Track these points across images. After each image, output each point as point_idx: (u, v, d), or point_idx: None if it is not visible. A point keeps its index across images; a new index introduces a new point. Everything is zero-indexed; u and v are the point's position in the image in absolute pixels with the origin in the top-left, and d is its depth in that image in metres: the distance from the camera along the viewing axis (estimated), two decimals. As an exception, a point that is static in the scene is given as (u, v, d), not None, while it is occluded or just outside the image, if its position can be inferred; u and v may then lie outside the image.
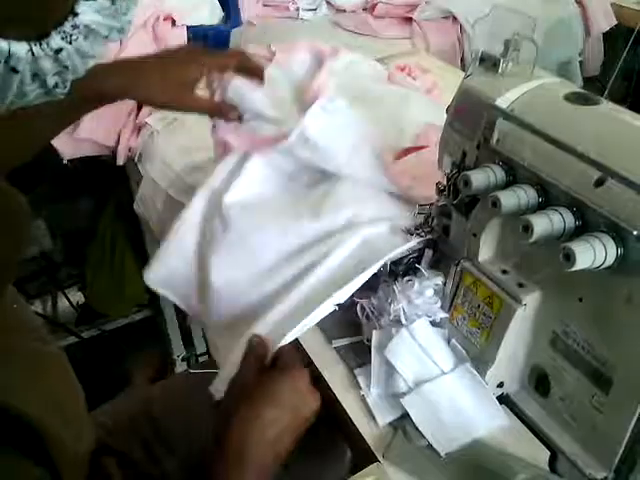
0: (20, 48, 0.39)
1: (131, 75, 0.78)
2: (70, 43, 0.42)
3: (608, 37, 1.87)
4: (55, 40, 0.41)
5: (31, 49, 0.40)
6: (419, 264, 0.75)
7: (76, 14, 0.41)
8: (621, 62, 1.67)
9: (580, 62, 1.83)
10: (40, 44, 0.40)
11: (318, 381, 0.72)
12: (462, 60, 1.58)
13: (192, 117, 1.17)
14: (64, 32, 0.41)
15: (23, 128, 0.69)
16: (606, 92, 0.61)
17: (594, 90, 0.64)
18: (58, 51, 0.42)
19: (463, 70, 1.50)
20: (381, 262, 0.74)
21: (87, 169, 1.66)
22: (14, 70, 0.40)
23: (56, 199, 1.76)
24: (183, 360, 1.81)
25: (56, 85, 0.44)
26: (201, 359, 1.82)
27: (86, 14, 0.41)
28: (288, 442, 0.64)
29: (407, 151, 1.01)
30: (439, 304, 0.73)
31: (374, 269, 0.74)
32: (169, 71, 0.79)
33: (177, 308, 1.69)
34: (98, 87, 0.75)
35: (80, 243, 1.80)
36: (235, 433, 0.61)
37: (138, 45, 1.18)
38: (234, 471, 0.60)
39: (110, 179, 1.58)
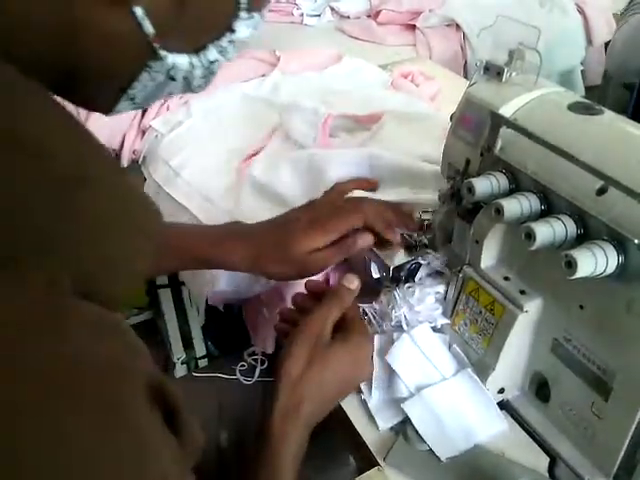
0: (182, 61, 0.41)
1: (255, 250, 0.73)
2: (224, 56, 0.44)
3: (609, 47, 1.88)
4: (212, 53, 0.43)
5: (191, 61, 0.42)
6: (421, 269, 0.75)
7: (233, 31, 0.43)
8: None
9: (581, 71, 1.85)
10: (198, 56, 0.43)
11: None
12: (465, 68, 1.59)
13: (196, 120, 1.18)
14: (221, 46, 0.44)
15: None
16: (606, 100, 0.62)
17: (595, 99, 0.64)
18: (212, 62, 0.44)
19: (466, 78, 1.51)
20: None
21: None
22: (172, 79, 0.42)
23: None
24: (183, 363, 1.80)
25: (199, 86, 0.47)
26: (201, 362, 1.81)
27: (242, 32, 0.43)
28: (332, 406, 0.65)
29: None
30: (440, 310, 0.74)
31: None
32: (290, 248, 0.72)
33: (177, 310, 1.70)
34: (222, 257, 0.73)
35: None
36: (293, 388, 0.61)
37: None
38: (287, 424, 0.59)
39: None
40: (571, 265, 0.51)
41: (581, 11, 1.76)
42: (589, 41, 1.79)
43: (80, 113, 1.16)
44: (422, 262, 0.75)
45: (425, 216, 0.77)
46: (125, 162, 1.24)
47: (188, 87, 0.45)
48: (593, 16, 1.76)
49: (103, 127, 1.18)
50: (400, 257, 0.76)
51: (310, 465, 0.57)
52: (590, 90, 1.88)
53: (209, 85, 0.48)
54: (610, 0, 1.83)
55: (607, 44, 1.84)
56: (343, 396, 0.67)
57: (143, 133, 1.21)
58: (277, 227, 0.74)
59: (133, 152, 1.22)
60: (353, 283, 0.68)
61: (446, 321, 0.73)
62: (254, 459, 0.59)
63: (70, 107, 0.39)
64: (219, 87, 1.26)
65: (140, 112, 1.22)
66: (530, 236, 0.54)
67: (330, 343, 0.64)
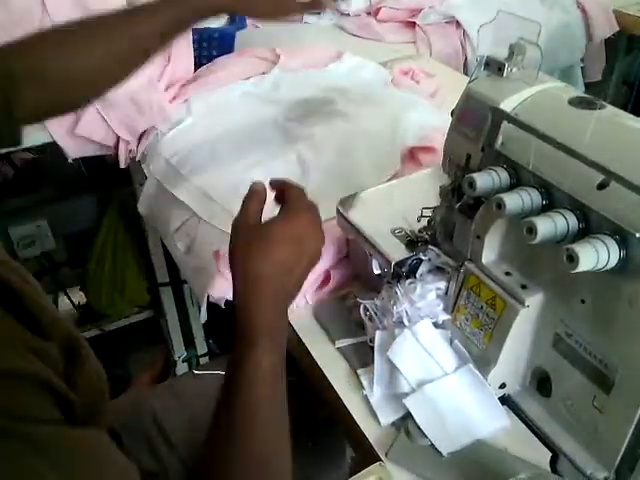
0: None
1: None
2: None
3: (609, 43, 1.88)
4: None
5: None
6: (422, 265, 0.76)
7: None
8: (621, 68, 1.68)
9: (582, 68, 1.84)
10: None
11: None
12: (465, 65, 1.59)
13: (196, 118, 1.18)
14: None
15: (131, 29, 0.77)
16: (607, 95, 0.62)
17: (595, 95, 0.64)
18: None
19: (466, 75, 1.51)
20: None
21: (91, 169, 1.67)
22: None
23: (59, 199, 1.77)
24: (184, 361, 1.81)
25: None
26: (202, 360, 1.82)
27: None
28: (299, 280, 0.64)
29: (412, 151, 1.03)
30: (442, 306, 0.74)
31: None
32: None
33: (178, 308, 1.70)
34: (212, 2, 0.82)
35: (82, 243, 1.80)
36: (247, 267, 0.60)
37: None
38: (251, 300, 0.59)
39: (113, 179, 1.59)
40: (573, 259, 0.51)
41: (581, 7, 1.76)
42: (589, 37, 1.78)
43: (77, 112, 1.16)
44: (423, 258, 0.75)
45: (426, 212, 0.77)
46: (123, 163, 1.24)
47: None
48: (593, 12, 1.75)
49: (99, 127, 1.18)
50: (401, 253, 0.76)
51: (308, 461, 0.57)
52: (590, 86, 1.88)
53: None
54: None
55: (607, 40, 1.84)
56: (303, 266, 0.64)
57: (140, 137, 1.21)
58: None
59: (130, 151, 1.22)
60: (257, 186, 0.67)
61: (447, 317, 0.73)
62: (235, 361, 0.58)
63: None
64: (220, 85, 1.26)
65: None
66: (532, 231, 0.54)
67: (270, 221, 0.63)
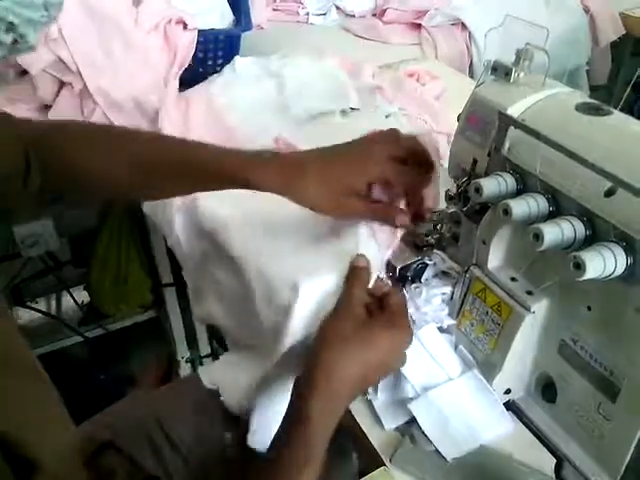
0: None
1: (289, 174, 0.68)
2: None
3: (615, 46, 1.87)
4: None
5: None
6: (427, 269, 0.75)
7: None
8: (627, 71, 1.67)
9: (587, 71, 1.84)
10: None
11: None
12: (470, 67, 1.59)
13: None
14: None
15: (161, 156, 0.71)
16: (620, 104, 0.61)
17: (601, 99, 0.64)
18: None
19: (471, 77, 1.51)
20: None
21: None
22: None
23: (63, 199, 1.77)
24: (187, 362, 1.81)
25: (15, 41, 0.46)
26: (206, 361, 1.82)
27: None
28: (363, 389, 0.64)
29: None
30: (447, 311, 0.74)
31: None
32: (331, 175, 0.67)
33: (182, 309, 1.70)
34: (250, 177, 0.68)
35: (86, 243, 1.80)
36: (327, 359, 0.58)
37: (149, 48, 1.19)
38: (317, 397, 0.57)
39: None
40: (579, 266, 0.51)
41: (587, 10, 1.75)
42: (595, 40, 1.78)
43: (84, 111, 1.17)
44: (428, 262, 0.75)
45: (431, 217, 0.76)
46: None
47: (4, 45, 0.46)
48: (599, 15, 1.75)
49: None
50: (407, 257, 0.76)
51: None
52: (595, 90, 1.87)
53: (36, 40, 0.48)
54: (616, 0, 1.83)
55: (613, 43, 1.83)
56: (380, 377, 0.64)
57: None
58: (323, 154, 0.70)
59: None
60: (359, 262, 0.65)
61: (452, 322, 0.73)
62: (286, 441, 0.57)
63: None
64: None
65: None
66: (538, 237, 0.54)
67: (372, 323, 0.61)
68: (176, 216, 0.99)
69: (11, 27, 0.45)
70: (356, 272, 0.64)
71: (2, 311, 0.48)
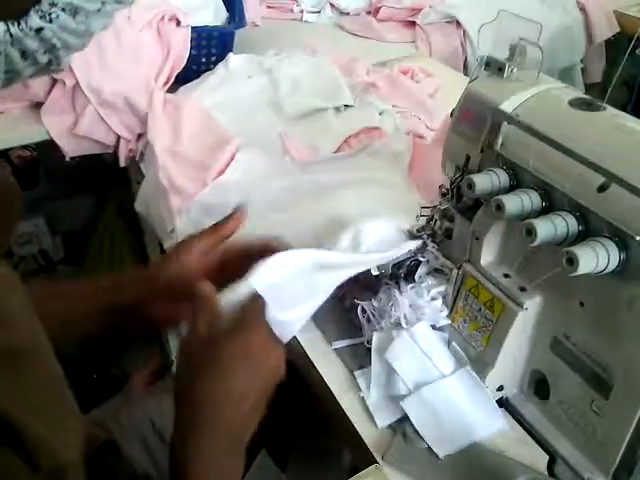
0: None
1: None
2: (50, 22, 0.43)
3: (610, 44, 1.87)
4: (34, 19, 0.42)
5: (8, 29, 0.41)
6: (421, 266, 0.75)
7: None
8: (621, 69, 1.67)
9: (582, 69, 1.84)
10: (19, 24, 0.42)
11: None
12: (465, 64, 1.59)
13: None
14: (41, 11, 0.42)
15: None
16: (607, 95, 0.61)
17: (595, 97, 0.64)
18: (39, 30, 0.43)
19: (466, 75, 1.51)
20: (378, 258, 0.73)
21: (88, 167, 1.66)
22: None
23: (56, 197, 1.76)
24: (181, 360, 1.80)
25: (50, 62, 0.45)
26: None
27: None
28: (253, 409, 0.56)
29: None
30: (440, 308, 0.73)
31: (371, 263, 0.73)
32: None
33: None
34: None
35: (80, 242, 1.80)
36: (194, 394, 0.54)
37: (142, 44, 1.18)
38: (190, 437, 0.52)
39: (111, 178, 1.58)
40: (572, 262, 0.51)
41: (582, 8, 1.75)
42: (589, 38, 1.78)
43: (76, 108, 1.16)
44: (421, 259, 0.75)
45: (424, 213, 0.76)
46: (123, 162, 1.23)
47: (37, 64, 0.44)
48: (594, 13, 1.75)
49: (99, 127, 1.18)
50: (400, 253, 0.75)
51: (306, 463, 0.56)
52: (590, 87, 1.88)
53: (62, 63, 0.47)
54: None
55: (607, 41, 1.84)
56: (258, 394, 0.56)
57: (139, 136, 1.21)
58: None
59: (130, 150, 1.22)
60: (201, 290, 0.59)
61: (445, 318, 0.73)
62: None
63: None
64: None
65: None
66: (531, 233, 0.53)
67: (218, 338, 0.56)
68: (177, 219, 0.98)
69: (51, 49, 0.45)
70: (202, 303, 0.58)
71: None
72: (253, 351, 0.55)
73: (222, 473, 0.52)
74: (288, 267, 0.63)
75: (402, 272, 0.75)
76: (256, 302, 0.59)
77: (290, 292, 0.63)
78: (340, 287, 0.85)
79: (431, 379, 0.69)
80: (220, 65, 1.27)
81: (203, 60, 1.31)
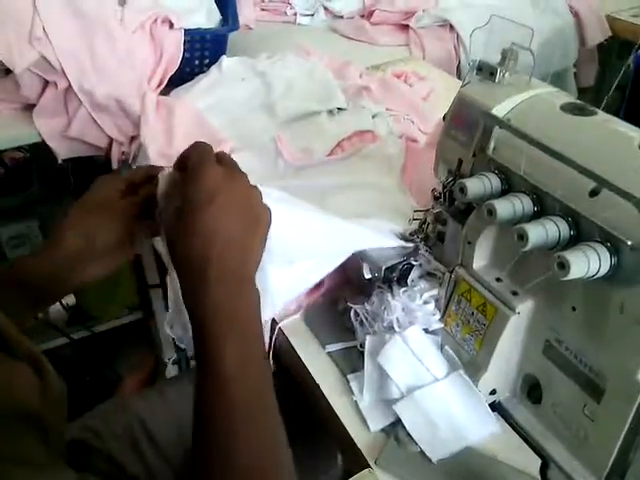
0: None
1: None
2: None
3: (602, 48, 1.88)
4: None
5: None
6: (413, 270, 0.75)
7: None
8: (614, 74, 1.68)
9: (574, 72, 1.85)
10: None
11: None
12: (458, 68, 1.59)
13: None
14: None
15: None
16: (603, 104, 0.61)
17: (588, 101, 0.64)
18: None
19: (459, 78, 1.51)
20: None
21: (81, 169, 1.66)
22: None
23: (49, 199, 1.75)
24: (174, 363, 1.80)
25: None
26: (192, 363, 1.81)
27: None
28: (252, 245, 0.56)
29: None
30: (432, 312, 0.73)
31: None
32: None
33: (168, 310, 1.69)
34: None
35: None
36: (179, 248, 0.53)
37: (135, 47, 1.18)
38: (195, 283, 0.52)
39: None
40: (564, 266, 0.51)
41: (574, 12, 1.76)
42: (582, 42, 1.79)
43: (68, 110, 1.16)
44: (414, 263, 0.75)
45: (417, 217, 0.76)
46: (115, 164, 1.23)
47: None
48: (586, 17, 1.76)
49: (91, 129, 1.18)
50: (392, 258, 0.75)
51: (298, 467, 0.55)
52: (583, 92, 1.88)
53: None
54: (603, 1, 1.83)
55: (600, 45, 1.84)
56: (250, 224, 0.56)
57: (131, 138, 1.20)
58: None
59: (122, 153, 1.21)
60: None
61: (438, 322, 0.73)
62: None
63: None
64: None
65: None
66: (523, 237, 0.53)
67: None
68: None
69: None
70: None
71: None
72: (240, 197, 0.55)
73: (236, 308, 0.52)
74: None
75: (395, 276, 0.75)
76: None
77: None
78: (333, 290, 0.86)
79: (424, 383, 0.69)
80: (213, 68, 1.27)
81: (196, 63, 1.31)
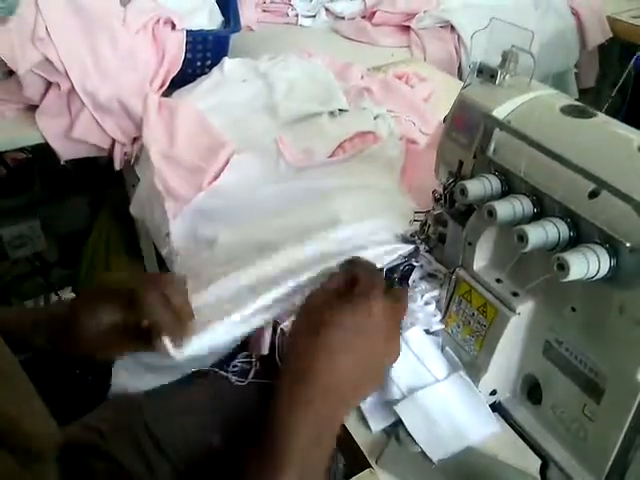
0: None
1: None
2: None
3: (603, 50, 1.89)
4: None
5: None
6: (414, 271, 0.75)
7: None
8: (614, 75, 1.68)
9: (575, 74, 1.85)
10: None
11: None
12: (459, 69, 1.59)
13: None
14: None
15: None
16: (605, 107, 0.62)
17: (589, 101, 0.65)
18: None
19: (460, 79, 1.51)
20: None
21: (83, 170, 1.66)
22: None
23: (51, 199, 1.76)
24: (175, 363, 1.80)
25: None
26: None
27: None
28: (363, 390, 0.59)
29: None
30: (433, 313, 0.74)
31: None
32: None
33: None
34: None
35: (74, 244, 1.79)
36: (319, 363, 0.55)
37: (137, 48, 1.18)
38: (294, 415, 0.53)
39: (106, 181, 1.58)
40: (563, 268, 0.51)
41: (575, 13, 1.76)
42: (583, 43, 1.79)
43: (71, 111, 1.16)
44: (415, 264, 0.75)
45: (418, 218, 0.77)
46: (118, 165, 1.23)
47: None
48: (587, 19, 1.76)
49: (94, 130, 1.18)
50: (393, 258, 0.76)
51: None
52: (584, 93, 1.89)
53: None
54: (604, 2, 1.84)
55: (600, 46, 1.85)
56: (373, 373, 0.59)
57: (134, 139, 1.21)
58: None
59: (125, 154, 1.22)
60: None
61: (439, 323, 0.73)
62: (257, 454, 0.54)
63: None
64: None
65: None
66: (523, 239, 0.54)
67: (340, 305, 0.57)
68: (172, 223, 0.98)
69: None
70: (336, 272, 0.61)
71: None
72: (379, 326, 0.57)
73: (315, 460, 0.54)
74: None
75: (396, 276, 0.75)
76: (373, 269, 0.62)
77: None
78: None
79: (425, 383, 0.69)
80: (215, 69, 1.28)
81: (198, 64, 1.31)
